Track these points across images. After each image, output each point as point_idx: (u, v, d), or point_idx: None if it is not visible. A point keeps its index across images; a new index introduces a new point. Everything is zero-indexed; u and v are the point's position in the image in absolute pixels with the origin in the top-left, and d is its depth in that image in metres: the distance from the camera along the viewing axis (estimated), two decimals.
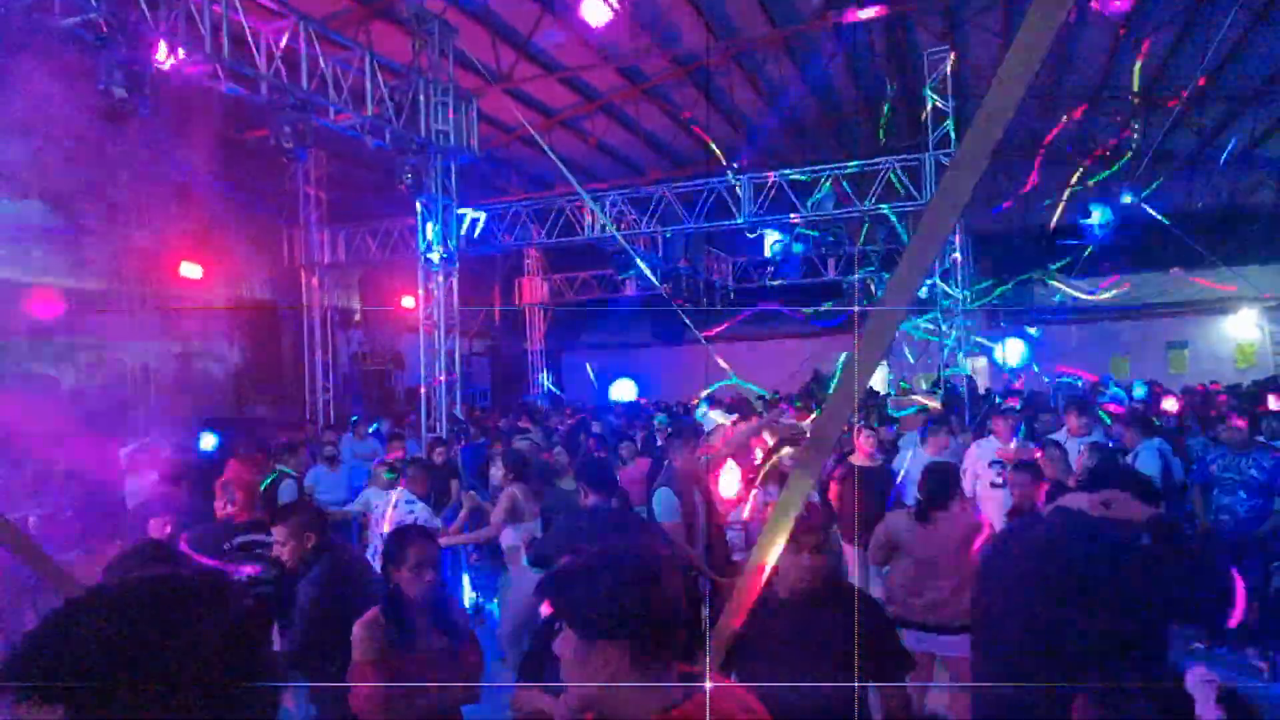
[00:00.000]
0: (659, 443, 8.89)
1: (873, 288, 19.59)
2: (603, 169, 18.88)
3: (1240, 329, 19.88)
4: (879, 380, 22.30)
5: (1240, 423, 6.47)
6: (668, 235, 15.27)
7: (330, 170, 14.29)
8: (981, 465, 6.85)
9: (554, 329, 20.09)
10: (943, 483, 4.29)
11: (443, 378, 10.39)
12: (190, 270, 11.69)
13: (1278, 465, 6.00)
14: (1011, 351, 17.71)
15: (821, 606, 2.41)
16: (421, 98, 9.92)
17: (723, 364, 9.03)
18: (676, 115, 17.06)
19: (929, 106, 12.66)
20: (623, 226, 13.85)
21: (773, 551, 2.41)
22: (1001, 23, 14.61)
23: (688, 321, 8.64)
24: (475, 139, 10.72)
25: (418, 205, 10.84)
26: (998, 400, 12.48)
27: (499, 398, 18.21)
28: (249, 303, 13.94)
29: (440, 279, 10.61)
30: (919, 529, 4.24)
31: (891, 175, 12.95)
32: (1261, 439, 6.60)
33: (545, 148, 8.50)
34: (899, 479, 6.86)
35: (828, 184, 13.42)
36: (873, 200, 13.09)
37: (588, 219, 13.30)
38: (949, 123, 12.75)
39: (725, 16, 13.88)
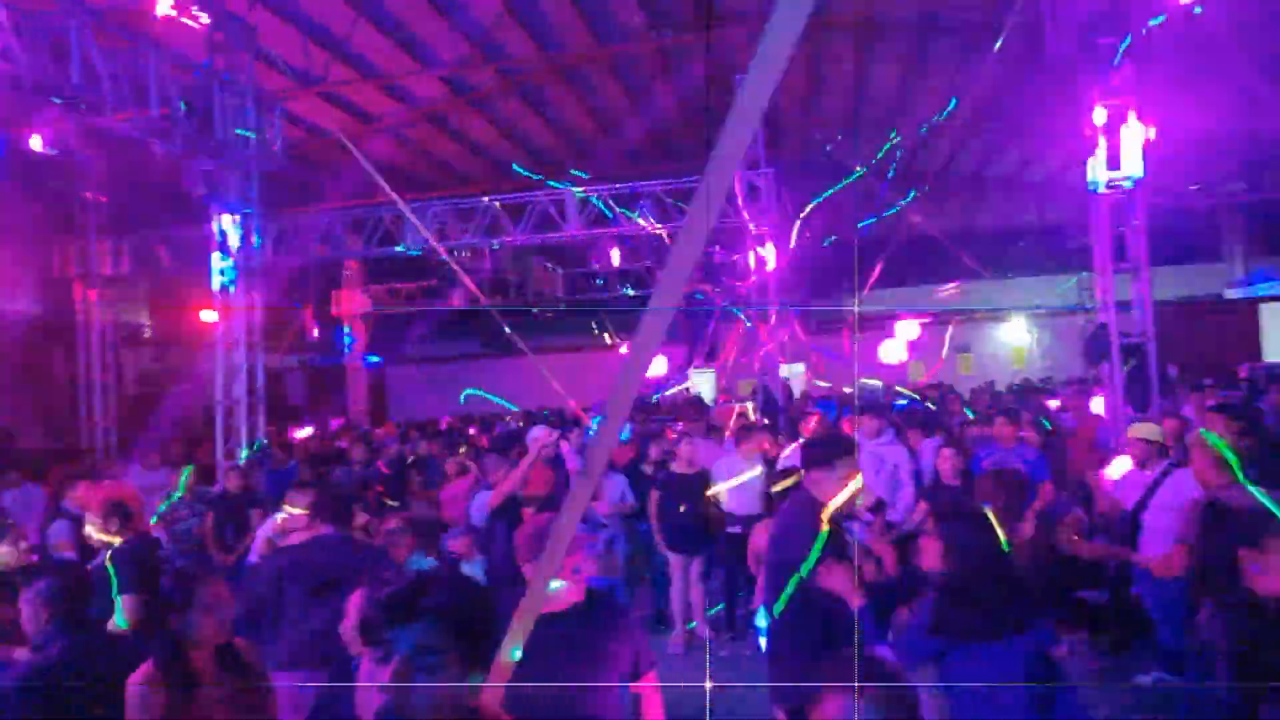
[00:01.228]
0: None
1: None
2: (427, 178, 18.45)
3: (1013, 335, 22.35)
4: (706, 389, 23.18)
5: (1004, 421, 7.28)
6: (495, 247, 15.14)
7: (113, 173, 13.05)
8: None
9: (377, 342, 19.35)
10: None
11: (245, 398, 9.74)
12: None
13: (1039, 459, 6.79)
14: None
15: (587, 618, 2.50)
16: (218, 98, 9.26)
17: (548, 375, 9.07)
18: (501, 126, 17.00)
19: None
20: (446, 237, 13.59)
21: (552, 569, 2.49)
22: (807, 48, 15.66)
23: (511, 332, 8.61)
24: (279, 143, 10.16)
25: (215, 213, 10.11)
26: (812, 406, 13.32)
27: (315, 416, 17.28)
28: (10, 318, 12.43)
29: (242, 291, 9.95)
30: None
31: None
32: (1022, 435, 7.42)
33: (357, 154, 8.21)
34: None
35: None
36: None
37: (409, 229, 12.96)
38: (758, 142, 13.48)
39: (550, 30, 13.99)
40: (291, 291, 17.35)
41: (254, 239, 10.14)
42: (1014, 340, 22.40)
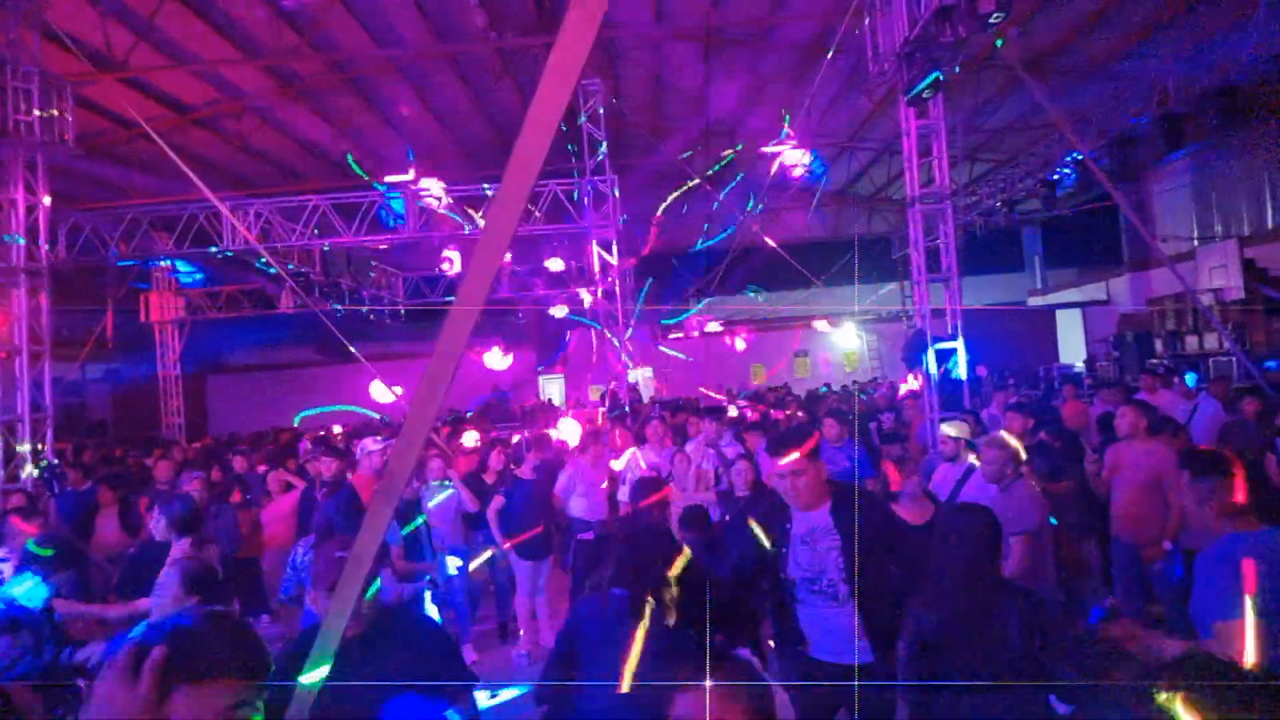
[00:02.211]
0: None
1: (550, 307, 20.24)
2: (250, 174, 17.27)
3: (845, 340, 23.69)
4: (556, 392, 23.10)
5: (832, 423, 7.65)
6: (326, 249, 14.38)
7: None
8: (638, 471, 7.36)
9: (194, 349, 17.82)
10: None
11: (26, 414, 8.67)
12: None
13: (864, 455, 7.17)
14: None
15: (390, 637, 2.35)
16: None
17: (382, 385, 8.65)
18: (334, 121, 16.16)
19: (585, 136, 13.38)
20: (271, 237, 12.76)
21: (351, 597, 2.32)
22: (653, 59, 15.93)
23: (343, 339, 8.16)
24: (70, 132, 9.15)
25: None
26: (656, 410, 13.49)
27: (122, 430, 15.73)
28: None
29: (24, 295, 8.87)
30: None
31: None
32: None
33: (163, 145, 7.55)
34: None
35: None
36: (537, 219, 13.50)
37: (229, 229, 12.04)
38: (602, 149, 13.59)
39: (387, 26, 13.44)
40: (92, 295, 15.66)
41: (40, 236, 9.05)
42: (846, 345, 23.74)
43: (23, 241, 8.88)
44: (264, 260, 12.84)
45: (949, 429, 5.71)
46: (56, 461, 8.58)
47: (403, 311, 18.93)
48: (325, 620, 2.30)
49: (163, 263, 15.20)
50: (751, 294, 20.42)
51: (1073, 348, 21.44)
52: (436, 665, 2.33)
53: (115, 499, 7.05)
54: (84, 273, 13.05)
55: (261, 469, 8.69)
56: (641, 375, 19.69)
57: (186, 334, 17.61)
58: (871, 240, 23.21)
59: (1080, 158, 12.95)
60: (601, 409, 14.05)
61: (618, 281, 14.10)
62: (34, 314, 8.89)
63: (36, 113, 8.58)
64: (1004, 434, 4.67)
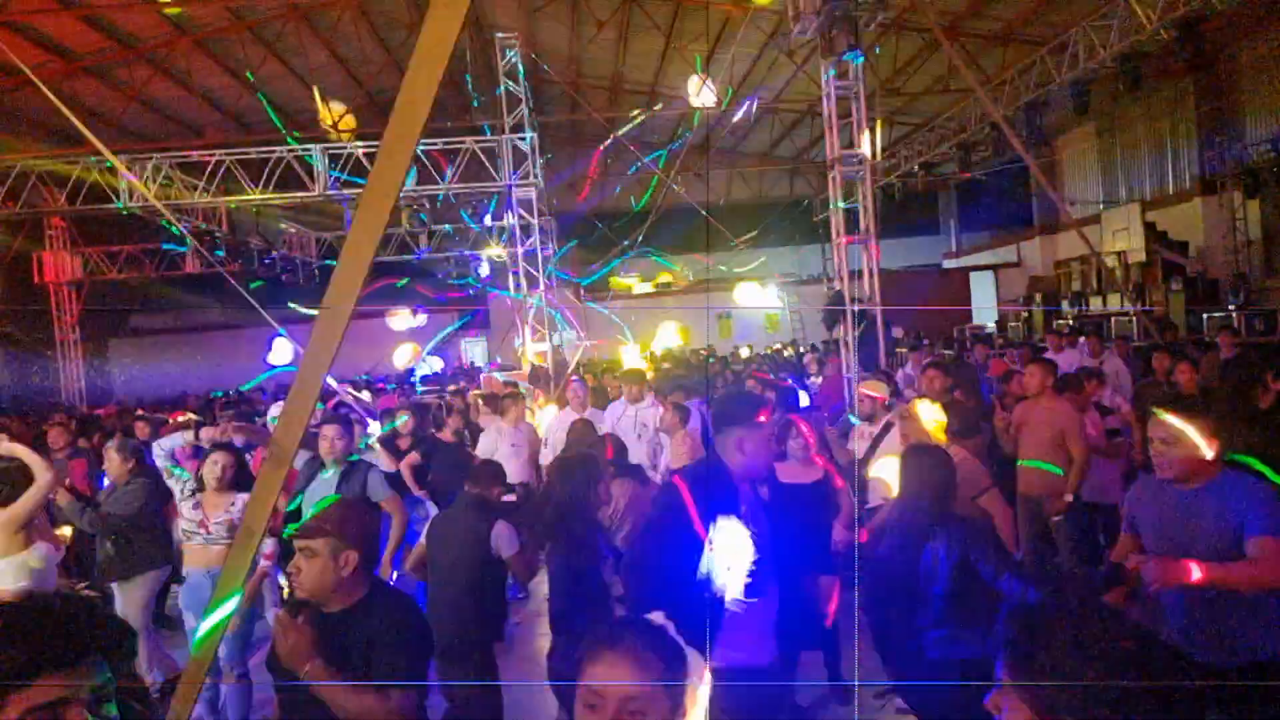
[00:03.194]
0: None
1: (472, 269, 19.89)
2: (148, 126, 16.30)
3: (767, 301, 24.01)
4: (480, 355, 22.81)
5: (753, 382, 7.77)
6: (233, 206, 13.74)
7: None
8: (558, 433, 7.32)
9: (94, 313, 16.86)
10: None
11: None
12: None
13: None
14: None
15: (372, 615, 2.23)
16: None
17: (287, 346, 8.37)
18: (238, 72, 15.33)
19: (503, 91, 13.03)
20: (173, 195, 12.10)
21: (243, 560, 2.24)
22: (570, 13, 15.57)
23: (255, 303, 7.79)
24: None
25: None
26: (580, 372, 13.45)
27: (20, 398, 14.85)
28: None
29: None
30: None
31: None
32: None
33: (49, 94, 7.00)
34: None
35: None
36: (452, 178, 13.15)
37: (125, 185, 11.36)
38: (522, 107, 13.28)
39: None
40: None
41: None
42: (768, 307, 24.08)
43: None
44: (166, 220, 12.16)
45: (867, 388, 5.83)
46: None
47: (316, 272, 18.29)
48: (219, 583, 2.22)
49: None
50: (657, 259, 20.46)
51: (985, 310, 22.22)
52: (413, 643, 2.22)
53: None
54: None
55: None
56: (564, 338, 19.61)
57: (84, 296, 16.58)
58: (793, 203, 23.48)
59: (994, 122, 13.31)
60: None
61: (538, 241, 13.90)
62: None
63: None
64: (918, 407, 4.76)
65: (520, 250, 13.78)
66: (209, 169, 12.37)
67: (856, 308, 8.47)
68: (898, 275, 20.25)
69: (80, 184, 11.53)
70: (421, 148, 13.13)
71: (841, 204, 8.43)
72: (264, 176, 12.75)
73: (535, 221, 13.66)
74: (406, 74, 1.61)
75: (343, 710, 2.03)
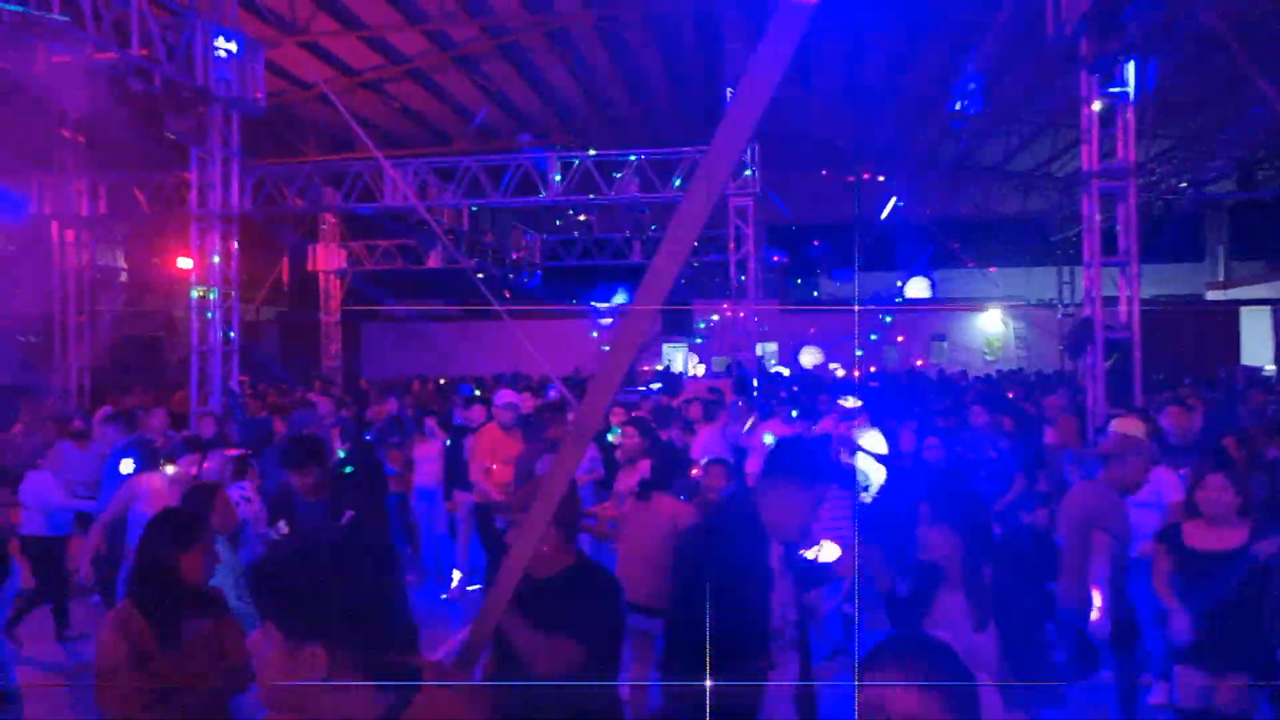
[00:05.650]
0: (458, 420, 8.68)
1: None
2: (407, 135, 18.11)
3: (989, 324, 22.54)
4: (679, 362, 23.22)
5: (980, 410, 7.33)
6: (474, 209, 14.95)
7: (92, 113, 12.64)
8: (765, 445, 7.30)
9: (352, 299, 19.04)
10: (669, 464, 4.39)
11: (219, 347, 9.55)
12: None
13: (1012, 449, 6.81)
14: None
15: (576, 586, 2.48)
16: (199, 41, 8.97)
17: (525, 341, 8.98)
18: (485, 86, 16.67)
19: (729, 101, 13.22)
20: (426, 196, 13.37)
21: (535, 536, 2.45)
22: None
23: (490, 296, 8.51)
24: (261, 91, 9.86)
25: (194, 158, 9.85)
26: (782, 384, 13.37)
27: (289, 370, 17.06)
28: None
29: (218, 239, 9.71)
30: (638, 506, 4.33)
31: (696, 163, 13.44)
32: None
33: (339, 107, 8.01)
34: None
35: None
36: (677, 186, 13.50)
37: (388, 186, 12.70)
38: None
39: None
40: (268, 243, 17.02)
41: (233, 187, 9.87)
42: (989, 330, 22.60)
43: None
44: (419, 217, 13.48)
45: (1124, 427, 5.33)
46: (237, 391, 9.44)
47: (540, 272, 19.47)
48: (509, 554, 2.45)
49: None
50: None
51: (1258, 348, 19.32)
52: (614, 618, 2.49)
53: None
54: (263, 223, 14.11)
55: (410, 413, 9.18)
56: (767, 349, 19.50)
57: (347, 283, 18.85)
58: (1025, 220, 21.82)
59: None
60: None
61: (752, 252, 13.95)
62: (225, 258, 9.75)
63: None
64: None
65: (733, 258, 13.92)
66: (458, 173, 13.54)
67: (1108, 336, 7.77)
68: (1150, 304, 18.24)
69: (352, 184, 13.01)
70: (646, 157, 13.62)
71: (1097, 221, 7.76)
72: (502, 182, 13.80)
73: (749, 231, 13.74)
74: (742, 81, 1.69)
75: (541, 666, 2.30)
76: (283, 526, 4.20)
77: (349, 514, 4.08)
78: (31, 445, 6.85)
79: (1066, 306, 20.82)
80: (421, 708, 1.31)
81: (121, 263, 14.92)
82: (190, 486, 3.68)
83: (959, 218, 21.59)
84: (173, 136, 9.15)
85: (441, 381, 15.10)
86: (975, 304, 21.52)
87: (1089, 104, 7.68)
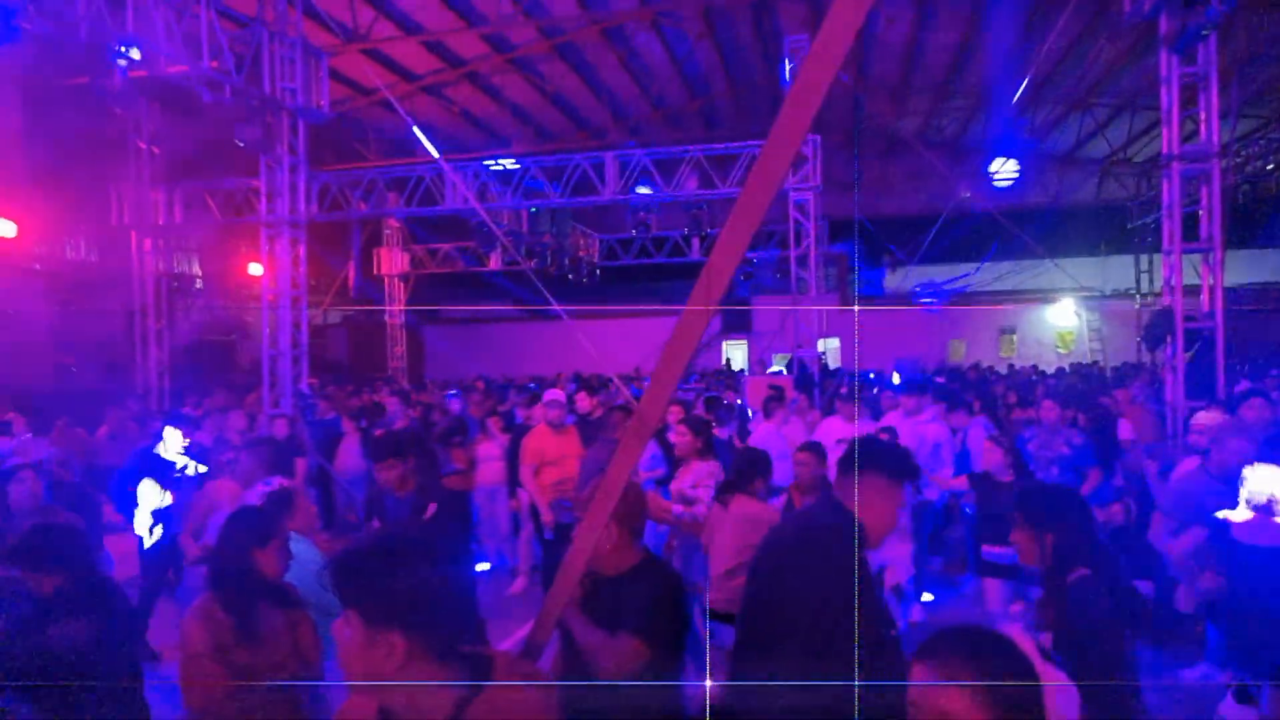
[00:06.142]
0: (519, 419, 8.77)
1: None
2: (466, 139, 18.36)
3: (1060, 317, 21.74)
4: (739, 357, 23.04)
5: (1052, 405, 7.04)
6: (533, 210, 15.06)
7: (165, 124, 13.17)
8: (830, 443, 7.15)
9: (414, 301, 19.47)
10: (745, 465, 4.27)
11: (288, 351, 9.84)
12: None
13: (1086, 444, 6.54)
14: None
15: (640, 585, 2.45)
16: (266, 51, 9.26)
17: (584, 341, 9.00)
18: (543, 87, 16.79)
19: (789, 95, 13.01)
20: (486, 199, 13.52)
21: (595, 534, 2.43)
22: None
23: (549, 297, 8.54)
24: (325, 99, 10.12)
25: (262, 166, 10.17)
26: (847, 381, 13.13)
27: (356, 371, 17.52)
28: (71, 265, 12.74)
29: (288, 245, 10.01)
30: (717, 510, 4.24)
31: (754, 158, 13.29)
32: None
33: (402, 113, 8.15)
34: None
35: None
36: (736, 182, 13.37)
37: (449, 189, 12.89)
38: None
39: None
40: (335, 248, 17.53)
41: (300, 193, 10.15)
42: (1061, 323, 21.81)
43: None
44: (479, 220, 13.66)
45: (1207, 420, 5.08)
46: (308, 393, 9.72)
47: (598, 273, 19.53)
48: (572, 550, 2.44)
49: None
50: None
51: None
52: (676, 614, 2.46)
53: (356, 429, 7.87)
54: (328, 228, 14.51)
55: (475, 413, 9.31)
56: (828, 345, 19.17)
57: (411, 286, 19.29)
58: (1101, 208, 20.99)
59: None
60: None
61: (813, 246, 13.72)
62: (294, 263, 10.04)
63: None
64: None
65: (794, 253, 13.72)
66: (516, 175, 13.67)
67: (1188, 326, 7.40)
68: (1236, 293, 17.34)
69: (414, 188, 13.25)
70: (703, 153, 13.53)
71: (1178, 206, 7.38)
72: (561, 182, 13.87)
73: (812, 225, 13.52)
74: (800, 71, 1.63)
75: (603, 663, 2.32)
76: (374, 525, 4.34)
77: (432, 507, 4.17)
78: (117, 447, 7.16)
79: (1144, 296, 19.96)
80: (492, 699, 1.36)
81: (196, 269, 15.51)
82: (271, 490, 3.80)
83: (1029, 207, 20.88)
84: (242, 145, 9.45)
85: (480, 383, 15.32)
86: (1046, 295, 20.80)
87: (1167, 84, 7.31)
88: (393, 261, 18.75)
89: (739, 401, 10.60)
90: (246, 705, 2.57)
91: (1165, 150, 7.47)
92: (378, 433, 6.40)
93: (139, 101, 8.06)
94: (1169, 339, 7.50)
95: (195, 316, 15.33)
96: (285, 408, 9.24)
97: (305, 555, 3.48)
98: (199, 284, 15.60)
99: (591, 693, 2.28)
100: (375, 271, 18.81)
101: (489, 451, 7.84)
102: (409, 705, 1.35)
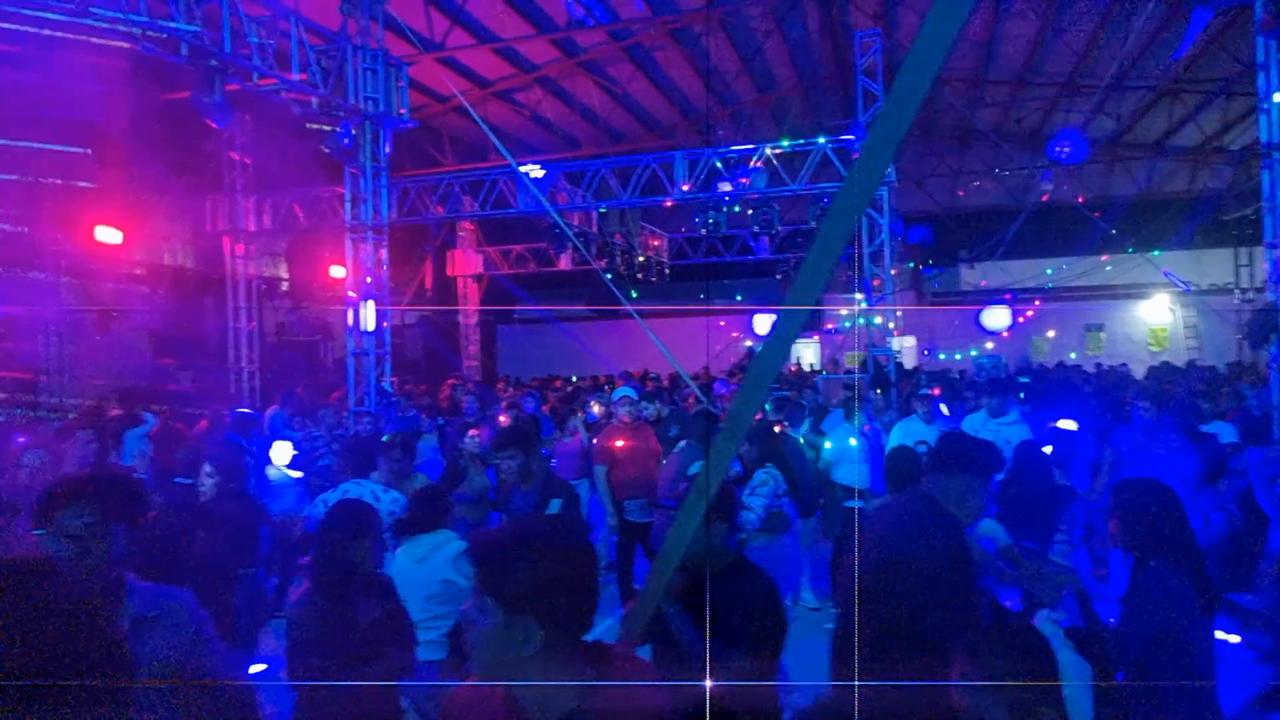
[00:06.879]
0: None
1: None
2: (537, 142, 18.66)
3: (1153, 313, 20.80)
4: (811, 356, 22.79)
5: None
6: (602, 210, 15.21)
7: (256, 135, 13.80)
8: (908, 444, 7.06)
9: (488, 302, 19.90)
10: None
11: (371, 350, 10.20)
12: (107, 235, 11.17)
13: (1184, 446, 6.26)
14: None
15: (732, 585, 2.49)
16: (350, 64, 9.63)
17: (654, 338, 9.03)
18: (612, 89, 16.94)
19: (860, 89, 12.81)
20: (557, 200, 13.72)
21: (688, 532, 2.48)
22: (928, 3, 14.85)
23: (620, 295, 8.64)
24: (405, 107, 10.46)
25: (346, 173, 10.57)
26: (922, 380, 12.88)
27: (433, 371, 17.99)
28: (170, 270, 13.48)
29: (370, 249, 10.38)
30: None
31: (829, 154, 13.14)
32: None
33: (477, 118, 8.35)
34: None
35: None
36: (805, 179, 13.24)
37: (523, 191, 13.13)
38: (879, 105, 12.95)
39: None
40: (413, 250, 18.06)
41: (381, 199, 10.52)
42: (1154, 320, 20.86)
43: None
44: (551, 221, 13.88)
45: None
46: (391, 391, 10.06)
47: (667, 272, 19.57)
48: (667, 542, 2.50)
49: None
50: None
51: None
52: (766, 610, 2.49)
53: (435, 426, 8.14)
54: (406, 231, 14.94)
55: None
56: (903, 344, 18.78)
57: (484, 286, 19.74)
58: (1195, 199, 20.01)
59: None
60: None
61: (886, 243, 13.46)
62: (376, 265, 10.41)
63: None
64: None
65: (867, 249, 13.49)
66: (587, 177, 13.83)
67: None
68: None
69: (488, 191, 13.54)
70: (770, 150, 13.42)
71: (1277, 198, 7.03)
72: (630, 183, 13.96)
73: (885, 222, 13.28)
74: (902, 68, 1.64)
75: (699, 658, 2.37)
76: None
77: (556, 502, 4.26)
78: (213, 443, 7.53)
79: (1245, 291, 18.97)
80: (608, 691, 1.42)
81: (283, 273, 16.18)
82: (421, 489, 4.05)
83: (1117, 198, 20.09)
84: (328, 152, 9.84)
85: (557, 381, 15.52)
86: (1137, 291, 19.95)
87: (1264, 69, 6.96)
88: (467, 263, 19.21)
89: (819, 400, 10.50)
90: (344, 693, 2.71)
91: (1264, 138, 7.12)
92: (471, 431, 6.54)
93: (234, 114, 8.46)
94: (1273, 336, 7.14)
95: (281, 318, 16.01)
96: (369, 406, 9.59)
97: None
98: (285, 286, 16.27)
99: (693, 693, 2.34)
100: (449, 273, 19.31)
101: (568, 449, 7.99)
102: (538, 692, 1.40)
